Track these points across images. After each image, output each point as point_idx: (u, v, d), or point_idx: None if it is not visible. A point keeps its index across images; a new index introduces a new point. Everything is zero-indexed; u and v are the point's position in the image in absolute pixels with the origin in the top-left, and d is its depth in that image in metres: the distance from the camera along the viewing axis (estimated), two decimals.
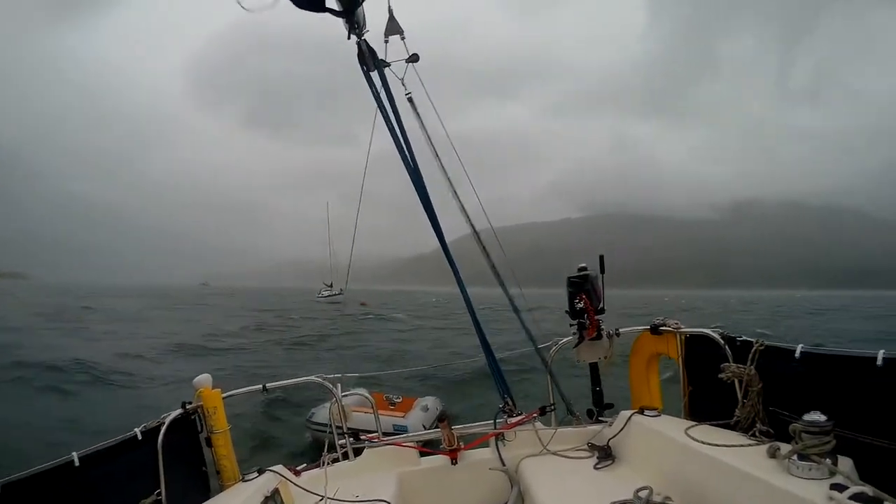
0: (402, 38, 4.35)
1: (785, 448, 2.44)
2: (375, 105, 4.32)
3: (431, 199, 4.42)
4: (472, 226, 4.64)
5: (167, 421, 3.42)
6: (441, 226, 4.45)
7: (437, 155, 4.48)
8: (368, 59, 4.24)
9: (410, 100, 4.40)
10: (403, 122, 4.40)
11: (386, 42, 4.37)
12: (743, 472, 2.48)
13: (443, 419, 4.16)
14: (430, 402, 12.51)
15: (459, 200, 4.57)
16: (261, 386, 4.16)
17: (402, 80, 4.37)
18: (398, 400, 12.11)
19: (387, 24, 4.35)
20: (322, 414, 10.68)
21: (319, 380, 4.33)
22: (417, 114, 4.44)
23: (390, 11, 4.31)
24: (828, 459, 2.25)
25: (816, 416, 2.31)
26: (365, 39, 4.22)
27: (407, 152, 4.33)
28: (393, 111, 4.34)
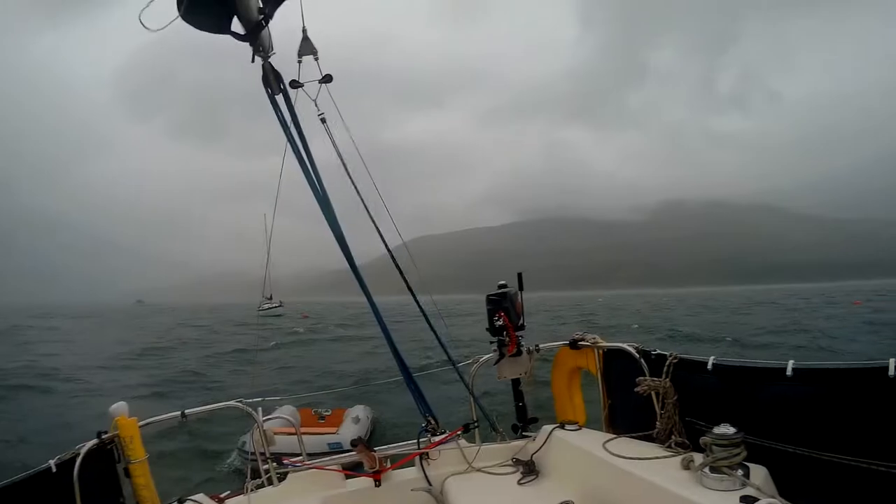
0: (316, 59, 4.25)
1: (698, 459, 2.50)
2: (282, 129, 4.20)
3: (348, 214, 4.31)
4: (386, 243, 4.56)
5: (82, 452, 3.30)
6: (350, 243, 4.22)
7: (350, 175, 4.38)
8: (273, 83, 4.11)
9: (323, 120, 4.33)
10: (317, 143, 4.28)
11: (299, 62, 4.26)
12: (657, 485, 2.54)
13: (355, 444, 4.03)
14: (361, 411, 12.28)
15: (373, 219, 4.49)
16: (179, 413, 4.04)
17: (315, 101, 4.28)
18: (328, 413, 11.86)
19: (300, 45, 4.25)
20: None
21: (239, 405, 4.23)
22: (330, 135, 4.37)
23: (304, 32, 4.22)
24: (739, 471, 2.31)
25: (725, 429, 2.37)
26: (269, 62, 4.08)
27: (314, 178, 4.20)
28: (299, 135, 4.21)
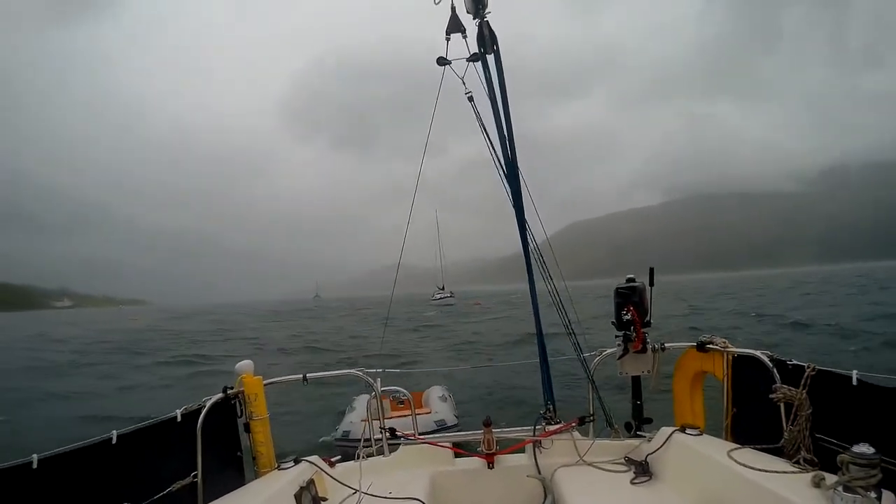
0: (464, 37, 4.15)
1: (830, 478, 2.34)
2: (470, 99, 4.13)
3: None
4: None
5: (208, 404, 3.40)
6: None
7: (497, 158, 4.21)
8: (488, 41, 4.04)
9: (470, 98, 4.20)
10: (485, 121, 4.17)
11: (447, 40, 4.17)
12: (786, 499, 2.38)
13: (488, 423, 3.96)
14: (442, 391, 11.91)
15: (534, 205, 4.29)
16: (301, 376, 4.09)
17: (463, 79, 4.17)
18: (406, 398, 11.06)
19: (449, 22, 4.15)
20: (354, 416, 10.26)
21: (360, 373, 4.26)
22: (477, 113, 4.21)
23: (453, 9, 4.12)
24: (873, 493, 2.15)
25: (864, 448, 2.19)
26: (487, 20, 4.05)
27: (509, 145, 4.11)
28: (503, 99, 4.07)
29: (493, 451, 3.94)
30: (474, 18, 4.12)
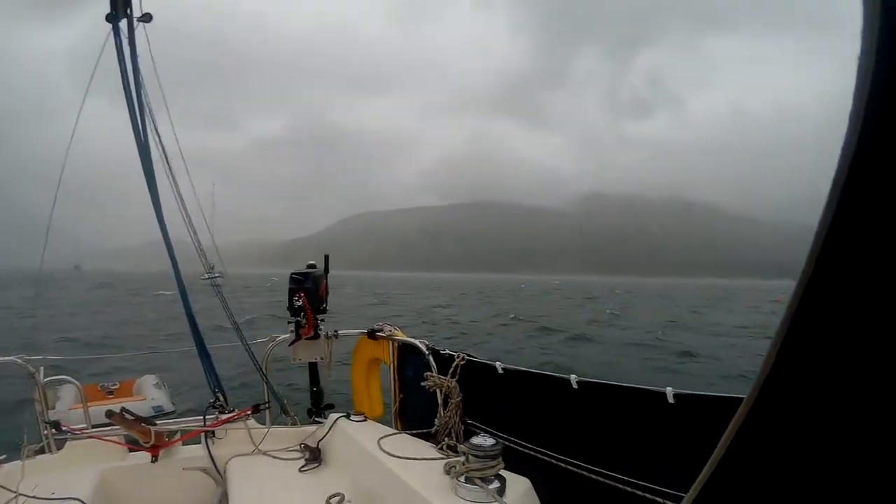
0: None
1: (460, 466, 2.40)
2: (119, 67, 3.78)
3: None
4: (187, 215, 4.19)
5: None
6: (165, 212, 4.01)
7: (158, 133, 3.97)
8: (120, 6, 3.72)
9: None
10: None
11: None
12: (413, 489, 2.46)
13: (110, 415, 3.52)
14: (154, 379, 10.45)
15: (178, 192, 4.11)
16: None
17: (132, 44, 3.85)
18: (115, 387, 9.77)
19: None
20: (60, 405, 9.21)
21: (19, 361, 3.81)
22: (133, 80, 3.88)
23: None
24: (496, 483, 2.24)
25: (482, 440, 2.28)
26: None
27: (141, 124, 3.85)
28: (134, 72, 3.79)
29: (153, 442, 3.59)
30: None
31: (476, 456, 2.24)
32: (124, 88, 3.84)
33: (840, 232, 0.46)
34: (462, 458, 2.34)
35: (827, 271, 0.48)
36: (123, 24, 3.86)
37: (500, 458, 2.27)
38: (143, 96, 3.87)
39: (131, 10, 3.78)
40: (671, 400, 2.24)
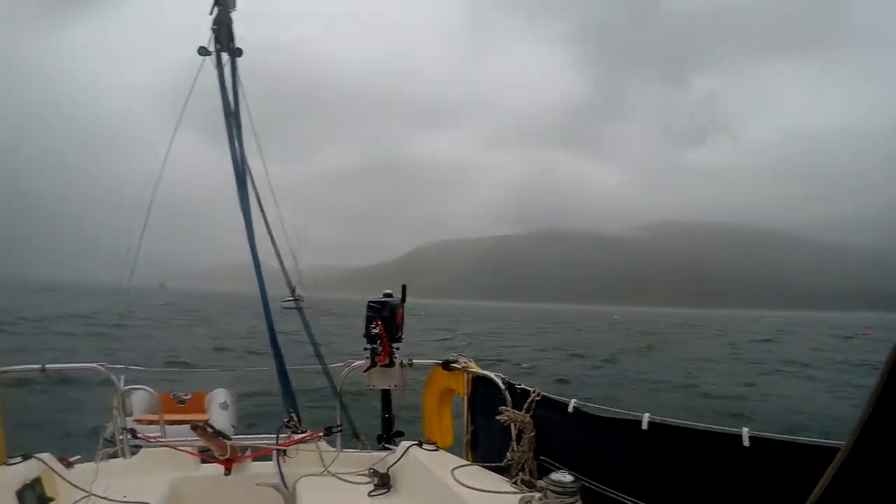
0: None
1: (536, 501, 2.39)
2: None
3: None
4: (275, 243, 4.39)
5: None
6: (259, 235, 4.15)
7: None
8: (223, 38, 3.82)
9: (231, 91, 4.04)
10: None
11: (214, 31, 3.86)
12: None
13: (195, 428, 3.69)
14: (225, 395, 11.05)
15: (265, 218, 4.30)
16: (40, 366, 3.80)
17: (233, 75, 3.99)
18: (187, 397, 9.80)
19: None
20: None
21: (101, 368, 3.95)
22: (234, 112, 4.05)
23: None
24: None
25: (562, 476, 2.24)
26: (229, 14, 3.83)
27: (239, 150, 4.00)
28: (235, 105, 3.94)
29: (229, 456, 3.71)
30: (214, 6, 3.89)
31: (555, 492, 2.19)
32: (226, 119, 3.99)
33: None
34: (539, 494, 2.30)
35: None
36: (212, 58, 4.01)
37: (578, 496, 2.22)
38: (241, 128, 4.02)
39: (233, 44, 3.91)
40: (746, 443, 2.13)
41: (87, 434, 9.28)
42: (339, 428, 4.16)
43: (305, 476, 3.72)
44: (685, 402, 18.81)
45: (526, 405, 3.22)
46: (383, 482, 3.58)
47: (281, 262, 4.39)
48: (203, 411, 9.84)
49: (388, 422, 4.32)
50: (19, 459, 3.20)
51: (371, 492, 3.50)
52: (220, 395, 10.73)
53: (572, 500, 2.20)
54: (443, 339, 36.97)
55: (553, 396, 3.20)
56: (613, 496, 2.61)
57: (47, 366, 3.81)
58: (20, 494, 2.88)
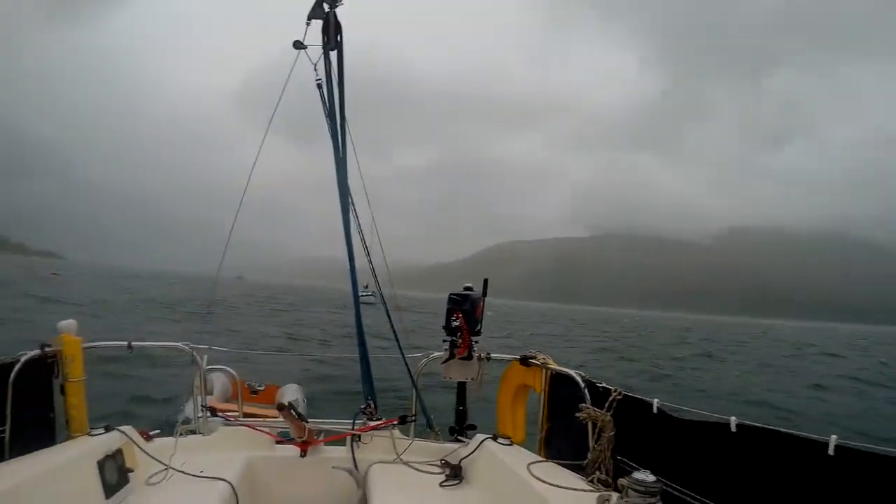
0: (326, 23, 3.93)
1: (615, 500, 2.34)
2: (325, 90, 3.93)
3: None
4: (364, 241, 4.31)
5: (22, 360, 3.17)
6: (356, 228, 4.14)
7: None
8: (332, 32, 3.87)
9: (319, 86, 4.04)
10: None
11: (308, 24, 3.92)
12: None
13: (282, 408, 3.75)
14: (296, 392, 10.74)
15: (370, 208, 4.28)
16: (126, 343, 3.89)
17: (315, 66, 3.98)
18: (261, 388, 10.47)
19: (312, 7, 3.93)
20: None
21: (186, 347, 4.06)
22: (323, 100, 4.05)
23: None
24: None
25: (644, 476, 2.18)
26: (335, 11, 3.88)
27: (341, 140, 4.03)
28: (340, 100, 4.00)
29: (306, 439, 3.78)
30: (325, 4, 3.95)
31: (636, 491, 2.16)
32: (327, 117, 4.07)
33: None
34: (618, 493, 2.28)
35: None
36: (307, 52, 4.01)
37: (659, 497, 2.18)
38: (346, 125, 4.07)
39: (341, 38, 3.99)
40: (831, 452, 2.05)
41: (168, 410, 9.73)
42: (413, 417, 4.19)
43: (378, 462, 3.78)
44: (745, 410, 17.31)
45: (608, 403, 3.16)
46: (455, 473, 3.60)
47: (369, 260, 4.45)
48: (274, 403, 10.23)
49: (461, 414, 4.33)
50: (102, 431, 3.31)
51: (443, 482, 3.54)
52: (291, 391, 11.13)
53: (654, 500, 2.17)
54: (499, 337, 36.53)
55: (636, 395, 3.15)
56: (694, 499, 2.57)
57: (133, 342, 3.92)
58: (101, 464, 2.98)
